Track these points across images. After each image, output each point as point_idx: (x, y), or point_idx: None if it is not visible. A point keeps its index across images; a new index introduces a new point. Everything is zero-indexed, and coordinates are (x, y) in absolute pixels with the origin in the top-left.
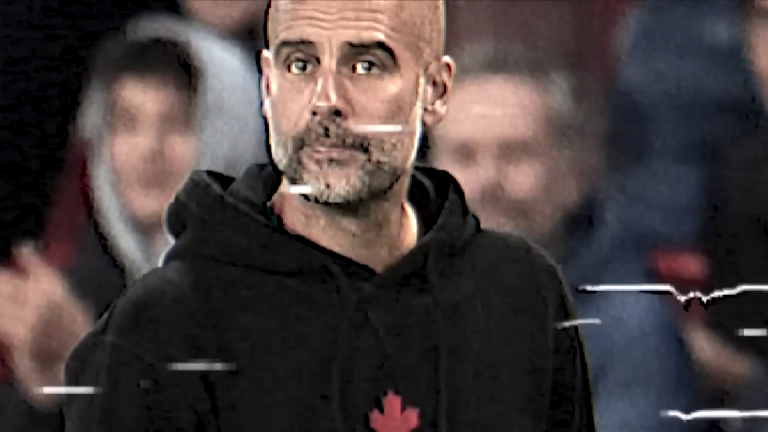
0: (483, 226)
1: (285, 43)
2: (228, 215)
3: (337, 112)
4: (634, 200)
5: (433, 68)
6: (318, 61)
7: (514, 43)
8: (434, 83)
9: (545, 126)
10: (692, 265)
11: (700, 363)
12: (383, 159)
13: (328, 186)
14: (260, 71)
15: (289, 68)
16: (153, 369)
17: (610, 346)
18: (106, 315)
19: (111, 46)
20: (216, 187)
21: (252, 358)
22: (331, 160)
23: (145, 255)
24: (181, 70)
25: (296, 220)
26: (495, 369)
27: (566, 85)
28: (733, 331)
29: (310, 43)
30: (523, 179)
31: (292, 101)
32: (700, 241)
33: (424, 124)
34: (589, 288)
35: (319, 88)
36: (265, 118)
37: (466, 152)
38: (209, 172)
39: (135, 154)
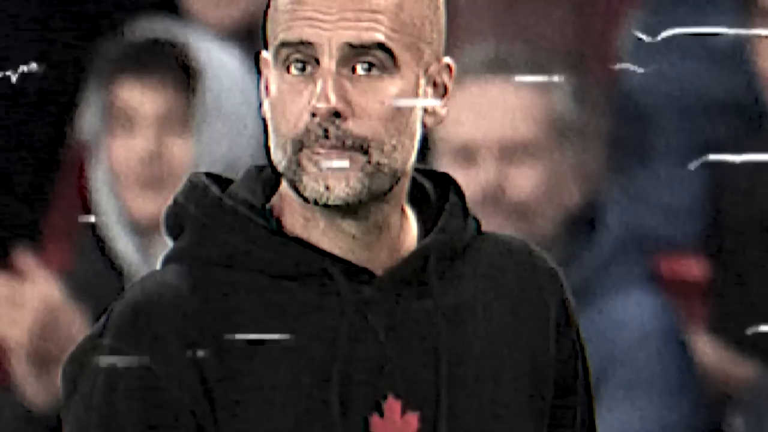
0: (484, 228)
1: (284, 44)
2: (227, 217)
3: (337, 114)
4: (636, 202)
5: (433, 69)
6: (317, 62)
7: (516, 44)
8: (435, 84)
9: (546, 127)
10: (695, 267)
11: (703, 366)
12: (383, 161)
13: (327, 188)
14: (259, 72)
15: (288, 69)
16: (151, 372)
17: (612, 349)
18: (103, 318)
19: (109, 47)
20: (214, 189)
21: (250, 361)
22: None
23: (143, 257)
24: (180, 71)
25: (296, 222)
26: (496, 372)
27: (568, 87)
28: (736, 334)
29: (310, 43)
30: (524, 181)
31: (292, 102)
32: (703, 244)
33: (424, 125)
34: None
35: (318, 89)
36: (264, 120)
37: (467, 154)
38: (208, 174)
39: (133, 156)
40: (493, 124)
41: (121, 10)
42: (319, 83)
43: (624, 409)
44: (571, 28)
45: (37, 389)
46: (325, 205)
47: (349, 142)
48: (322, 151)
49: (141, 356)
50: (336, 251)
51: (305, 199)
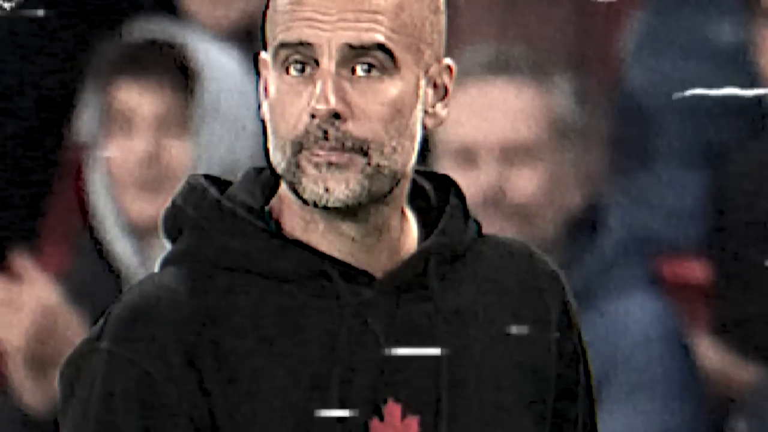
0: (485, 230)
1: (283, 45)
2: (225, 220)
3: (336, 115)
4: (638, 204)
5: (433, 70)
6: (317, 63)
7: (517, 45)
8: (435, 85)
9: (548, 129)
10: (697, 270)
11: (705, 369)
12: (383, 162)
13: (327, 190)
14: (258, 73)
15: (287, 70)
16: (149, 376)
17: (614, 352)
18: (101, 321)
19: (106, 48)
20: (213, 191)
21: (249, 364)
22: (330, 164)
23: (140, 260)
24: (178, 73)
25: (295, 224)
26: (497, 376)
27: (569, 88)
28: (738, 336)
29: (309, 44)
30: (526, 183)
31: (291, 104)
32: (705, 246)
33: (424, 127)
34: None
35: (317, 90)
36: (263, 121)
37: (468, 155)
38: (206, 176)
39: (131, 158)
40: (494, 125)
41: (119, 11)
42: (319, 84)
43: (626, 413)
44: (573, 29)
45: (34, 393)
46: (325, 207)
47: (348, 144)
48: (321, 152)
49: (139, 360)
50: (335, 254)
51: (304, 201)
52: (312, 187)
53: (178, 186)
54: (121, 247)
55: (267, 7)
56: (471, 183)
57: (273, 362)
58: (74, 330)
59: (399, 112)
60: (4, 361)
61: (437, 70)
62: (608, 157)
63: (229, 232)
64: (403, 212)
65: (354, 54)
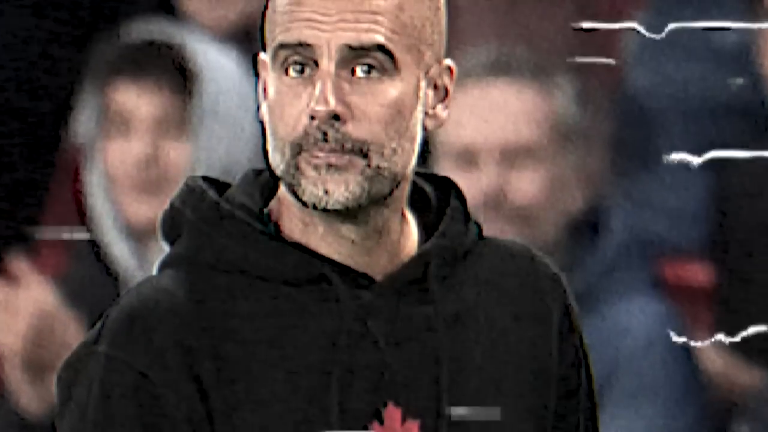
0: (485, 233)
1: (282, 46)
2: (224, 222)
3: (336, 117)
4: (640, 207)
5: (434, 71)
6: (316, 64)
7: (518, 46)
8: (435, 87)
9: (549, 131)
10: (700, 273)
11: (708, 373)
12: (383, 164)
13: (326, 192)
14: (257, 74)
15: (286, 71)
16: (147, 380)
17: (615, 356)
18: (99, 324)
19: (104, 49)
20: (212, 194)
21: (249, 368)
22: (329, 166)
23: (138, 263)
24: (176, 74)
25: (294, 226)
26: (498, 379)
27: (571, 89)
28: (741, 340)
29: (308, 45)
30: (527, 185)
31: (290, 105)
32: (708, 249)
33: (425, 128)
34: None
35: (317, 91)
36: (261, 123)
37: (468, 157)
38: (205, 178)
39: (129, 160)
40: (495, 127)
41: (117, 12)
42: (318, 85)
43: (628, 417)
44: (574, 30)
45: (31, 397)
46: (324, 210)
47: (348, 146)
48: (320, 154)
49: (136, 363)
50: (335, 256)
51: (304, 204)
52: (311, 189)
53: (177, 188)
54: (119, 250)
55: (266, 7)
56: (471, 185)
57: (272, 366)
58: (71, 333)
59: (399, 113)
60: (1, 365)
61: (438, 71)
62: (610, 158)
63: (227, 235)
64: (403, 214)
65: (354, 55)
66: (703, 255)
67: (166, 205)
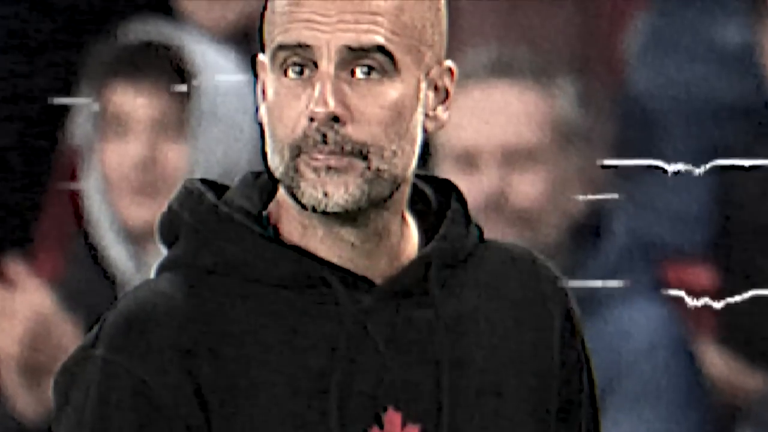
0: (486, 236)
1: (281, 47)
2: (222, 225)
3: (336, 118)
4: (642, 209)
5: (434, 73)
6: (316, 65)
7: (519, 47)
8: (436, 88)
9: (551, 132)
10: (703, 275)
11: (711, 377)
12: (383, 167)
13: (326, 194)
14: (255, 76)
15: (285, 73)
16: (145, 384)
17: (618, 360)
18: (96, 328)
19: (101, 50)
20: (210, 196)
21: (247, 372)
22: (329, 168)
23: (136, 266)
24: (174, 75)
25: (293, 229)
26: (499, 384)
27: (572, 91)
28: (745, 344)
29: (308, 46)
30: (528, 187)
31: (289, 107)
32: (711, 251)
33: (425, 130)
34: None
35: (316, 93)
36: (260, 125)
37: (469, 159)
38: (203, 180)
39: (126, 162)
40: (496, 128)
41: (114, 12)
42: (318, 87)
43: (630, 422)
44: (576, 31)
45: (27, 401)
46: (324, 212)
47: (348, 148)
48: (320, 156)
49: (134, 367)
50: (334, 259)
51: (303, 206)
52: (311, 192)
53: (175, 190)
54: (116, 253)
55: (265, 8)
56: (472, 187)
57: (271, 370)
58: (68, 337)
59: (399, 115)
60: None
61: (438, 73)
62: (612, 160)
63: (226, 238)
64: (403, 217)
65: (353, 56)
66: (706, 258)
67: (164, 208)
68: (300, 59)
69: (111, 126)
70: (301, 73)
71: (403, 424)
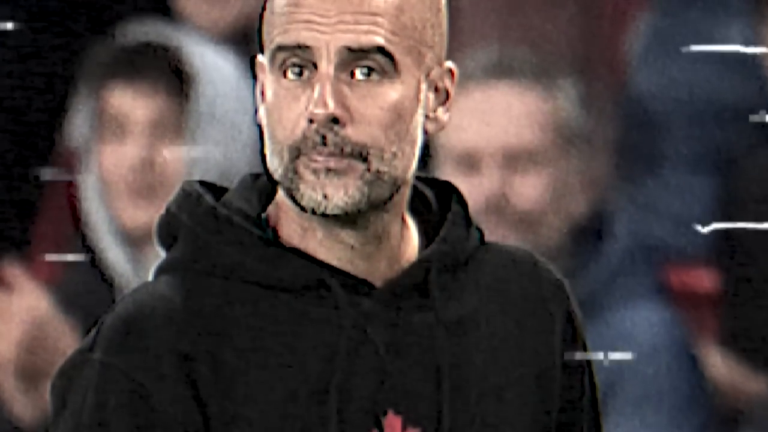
0: (487, 238)
1: (281, 48)
2: (221, 227)
3: (335, 120)
4: (644, 212)
5: (435, 74)
6: (315, 66)
7: (520, 48)
8: (436, 89)
9: (552, 134)
10: (705, 279)
11: (714, 381)
12: (383, 168)
13: (325, 197)
14: (255, 77)
15: (284, 74)
16: (143, 388)
17: (620, 363)
18: (93, 331)
19: (99, 51)
20: (208, 198)
21: (246, 376)
22: (328, 170)
23: (134, 269)
24: (173, 76)
25: (292, 232)
26: (500, 387)
27: (574, 92)
28: (747, 347)
29: (307, 47)
30: (529, 190)
31: (288, 108)
32: (714, 254)
33: (425, 132)
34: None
35: (316, 94)
36: (259, 126)
37: (470, 161)
38: (201, 182)
39: (124, 164)
40: (497, 130)
41: (112, 13)
42: (317, 88)
43: (633, 426)
44: (578, 32)
45: (25, 405)
46: (323, 215)
47: (347, 149)
48: (319, 158)
49: (132, 371)
50: (334, 262)
51: (302, 208)
52: (310, 194)
53: (173, 193)
54: (114, 256)
55: (264, 9)
56: (473, 189)
57: (270, 374)
58: (66, 340)
59: (399, 116)
60: None
61: (438, 74)
62: (614, 162)
63: (224, 240)
64: (403, 219)
65: (353, 57)
66: (708, 261)
67: (162, 210)
68: (299, 60)
69: (109, 127)
70: (300, 74)
71: (404, 428)
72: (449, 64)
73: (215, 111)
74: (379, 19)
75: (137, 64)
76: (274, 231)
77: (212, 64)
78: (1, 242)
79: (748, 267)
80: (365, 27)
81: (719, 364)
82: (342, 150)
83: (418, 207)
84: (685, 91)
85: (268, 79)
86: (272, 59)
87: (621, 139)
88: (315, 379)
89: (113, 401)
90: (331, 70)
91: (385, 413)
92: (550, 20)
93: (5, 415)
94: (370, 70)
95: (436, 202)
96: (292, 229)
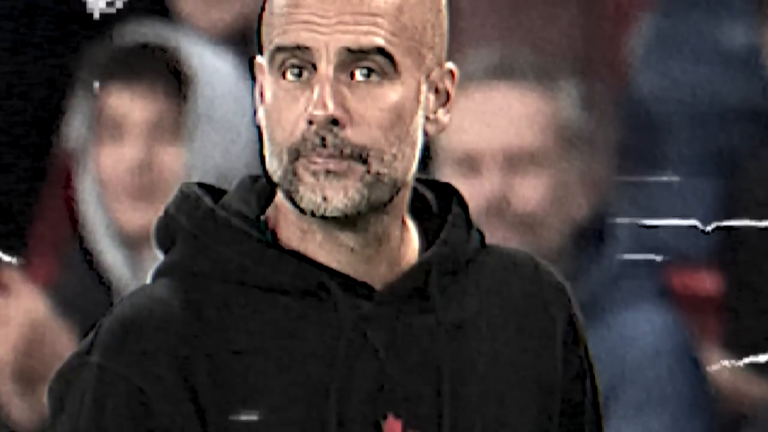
0: (488, 240)
1: (280, 49)
2: (220, 230)
3: (335, 121)
4: (646, 214)
5: (435, 75)
6: (314, 67)
7: (521, 49)
8: (437, 91)
9: (553, 135)
10: (707, 281)
11: (716, 385)
12: (383, 170)
13: (325, 199)
14: (253, 78)
15: (284, 75)
16: (141, 391)
17: (621, 366)
18: (91, 334)
19: (97, 52)
20: (207, 200)
21: (245, 379)
22: (328, 172)
23: (132, 271)
24: (171, 77)
25: (291, 234)
26: (501, 391)
27: (575, 93)
28: (750, 350)
29: (306, 48)
30: (530, 191)
31: (287, 109)
32: (716, 257)
33: (426, 133)
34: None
35: (315, 95)
36: (258, 128)
37: (471, 163)
38: (200, 184)
39: (122, 165)
40: (498, 132)
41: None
42: (316, 89)
43: (634, 429)
44: (579, 32)
45: (22, 408)
46: (323, 217)
47: (347, 151)
48: (319, 160)
49: (130, 374)
50: (334, 265)
51: (302, 211)
52: (309, 196)
53: (171, 195)
54: (112, 258)
55: (263, 9)
56: (474, 191)
57: (269, 377)
58: (63, 344)
59: (399, 118)
60: None
61: (439, 75)
62: (616, 164)
63: (223, 243)
64: (403, 222)
65: (353, 58)
66: (710, 263)
67: (161, 212)
68: (298, 61)
69: (106, 129)
70: (299, 75)
71: None
72: (450, 65)
73: (214, 112)
74: (379, 20)
75: (135, 65)
76: (273, 233)
77: (211, 65)
78: None
79: (751, 269)
80: (365, 28)
81: (722, 367)
82: (341, 152)
83: (418, 209)
84: (687, 92)
85: (267, 80)
86: (271, 60)
87: (623, 140)
88: (314, 382)
89: (111, 405)
90: (331, 71)
91: (385, 417)
92: (551, 21)
93: (2, 419)
94: (370, 71)
95: (437, 204)
96: (292, 231)
